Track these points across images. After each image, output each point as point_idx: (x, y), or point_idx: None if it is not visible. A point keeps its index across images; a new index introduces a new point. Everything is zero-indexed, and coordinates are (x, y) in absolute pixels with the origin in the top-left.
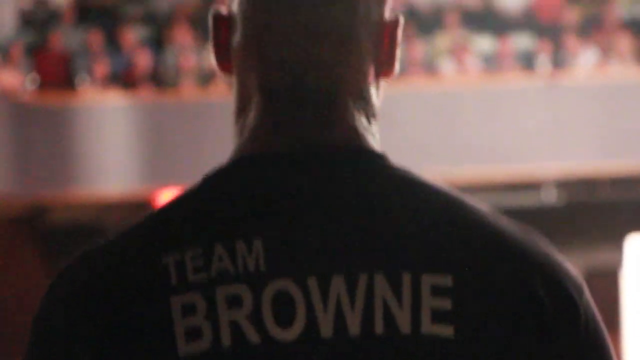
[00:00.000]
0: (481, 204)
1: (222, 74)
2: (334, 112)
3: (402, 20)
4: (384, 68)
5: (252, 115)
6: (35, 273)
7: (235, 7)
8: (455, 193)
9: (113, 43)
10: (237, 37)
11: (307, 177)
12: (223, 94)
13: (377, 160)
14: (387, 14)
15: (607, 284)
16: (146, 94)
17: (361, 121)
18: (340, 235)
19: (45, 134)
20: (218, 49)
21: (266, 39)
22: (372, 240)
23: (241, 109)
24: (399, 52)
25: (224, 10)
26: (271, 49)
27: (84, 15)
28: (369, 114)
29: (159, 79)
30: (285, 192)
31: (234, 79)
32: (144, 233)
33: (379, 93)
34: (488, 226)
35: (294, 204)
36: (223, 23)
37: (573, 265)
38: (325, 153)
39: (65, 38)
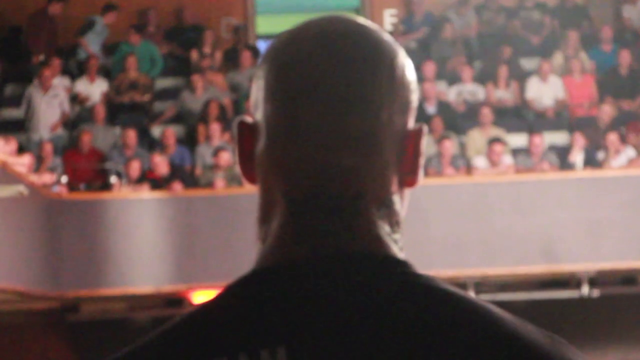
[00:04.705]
0: (506, 312)
1: (247, 181)
2: (356, 220)
3: (425, 129)
4: (408, 177)
5: (275, 222)
6: None
7: (258, 115)
8: (480, 302)
9: (146, 141)
10: (261, 145)
11: (329, 286)
12: (256, 189)
13: (400, 268)
14: (411, 123)
15: None
16: (178, 191)
17: (384, 229)
18: (363, 343)
19: (76, 230)
20: (243, 157)
21: (290, 145)
22: (393, 347)
23: (265, 216)
24: (422, 161)
25: (248, 118)
26: (295, 155)
27: (116, 113)
28: (392, 222)
29: (191, 177)
30: (308, 301)
31: (258, 186)
32: (167, 343)
33: (403, 202)
34: (512, 334)
35: (316, 312)
36: (247, 131)
37: None
38: (347, 262)
39: (97, 137)
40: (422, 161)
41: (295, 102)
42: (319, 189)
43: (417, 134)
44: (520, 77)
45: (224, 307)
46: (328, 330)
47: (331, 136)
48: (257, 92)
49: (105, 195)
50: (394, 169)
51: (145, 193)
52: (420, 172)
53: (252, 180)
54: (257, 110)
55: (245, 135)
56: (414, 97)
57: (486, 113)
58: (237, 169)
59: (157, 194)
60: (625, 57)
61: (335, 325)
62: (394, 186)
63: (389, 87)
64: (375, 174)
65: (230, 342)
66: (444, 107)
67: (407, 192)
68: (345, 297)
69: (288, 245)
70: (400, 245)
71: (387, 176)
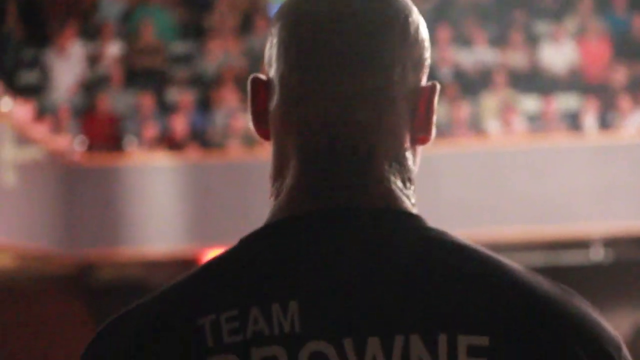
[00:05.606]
0: (517, 264)
1: (260, 138)
2: (369, 175)
3: (438, 86)
4: (421, 134)
5: (289, 178)
6: (83, 330)
7: (272, 72)
8: (492, 254)
9: (161, 105)
10: (274, 101)
11: (342, 240)
12: (269, 154)
13: (413, 222)
14: (424, 81)
15: None
16: (193, 155)
17: (397, 184)
18: (375, 296)
19: (93, 193)
20: (256, 114)
21: (303, 102)
22: (408, 301)
23: (278, 172)
24: (435, 118)
25: (262, 75)
26: (307, 112)
27: (132, 77)
28: (405, 178)
29: (206, 141)
30: (321, 254)
31: (271, 142)
32: (180, 294)
33: (415, 159)
34: (525, 286)
35: (328, 266)
36: (261, 88)
37: (621, 322)
38: (360, 216)
39: (113, 100)
40: (434, 118)
41: (309, 59)
42: (331, 145)
43: (430, 92)
44: (533, 41)
45: (236, 261)
46: (340, 284)
47: (344, 93)
48: (270, 49)
49: (121, 161)
50: (406, 126)
51: (161, 158)
52: (433, 130)
53: (265, 136)
54: (270, 68)
55: (259, 92)
56: (427, 55)
57: (500, 77)
58: (250, 127)
59: (173, 160)
60: (638, 22)
61: (348, 279)
62: (407, 143)
63: (402, 44)
64: (387, 130)
65: (242, 295)
66: (457, 72)
67: (420, 149)
68: (358, 251)
69: (301, 199)
70: (413, 200)
71: (400, 133)
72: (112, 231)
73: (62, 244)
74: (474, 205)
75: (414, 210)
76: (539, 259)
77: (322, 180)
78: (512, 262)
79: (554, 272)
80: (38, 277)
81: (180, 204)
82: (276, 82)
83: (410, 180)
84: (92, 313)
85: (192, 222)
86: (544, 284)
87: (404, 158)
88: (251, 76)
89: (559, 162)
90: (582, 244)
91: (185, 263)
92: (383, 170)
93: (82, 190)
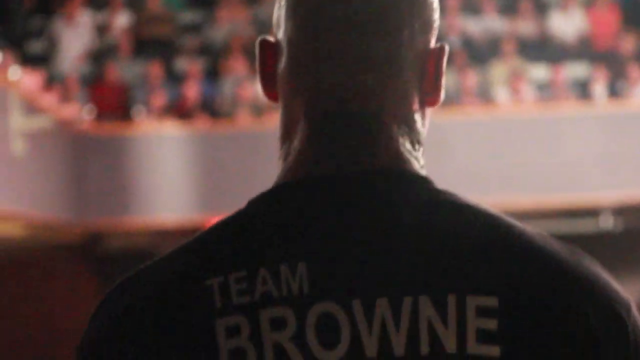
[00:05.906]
0: (527, 226)
1: (269, 100)
2: (378, 137)
3: (447, 48)
4: (429, 96)
5: (297, 140)
6: (91, 299)
7: (280, 34)
8: (501, 215)
9: (169, 74)
10: (283, 64)
11: (350, 201)
12: (278, 121)
13: (421, 184)
14: (433, 42)
15: None
16: (202, 124)
17: (405, 146)
18: (384, 257)
19: (102, 163)
20: (265, 76)
21: (311, 64)
22: (416, 262)
23: (286, 134)
24: (444, 81)
25: (270, 37)
26: (316, 74)
27: (140, 47)
28: (414, 140)
29: (215, 110)
30: (329, 216)
31: (280, 105)
32: (188, 256)
33: (424, 121)
34: (534, 247)
35: (337, 228)
36: (270, 50)
37: (630, 290)
38: (369, 177)
39: (122, 70)
40: (443, 80)
41: (316, 22)
42: (339, 107)
43: (438, 54)
44: (543, 9)
45: (244, 222)
46: (349, 245)
47: (352, 55)
48: (279, 10)
49: (129, 131)
50: (415, 88)
51: (170, 128)
52: (442, 91)
53: (273, 98)
54: (279, 30)
55: (267, 54)
56: (436, 16)
57: (509, 45)
58: (259, 89)
59: (181, 129)
60: None
61: (357, 241)
62: (415, 105)
63: (411, 6)
64: (396, 92)
65: (250, 256)
66: (466, 40)
67: (429, 111)
68: (367, 213)
69: (309, 162)
70: (422, 162)
71: (408, 95)
72: (121, 200)
73: (70, 213)
74: (483, 173)
75: (423, 172)
76: (548, 227)
77: (330, 142)
78: (524, 225)
79: (563, 241)
80: (47, 246)
81: (189, 173)
82: (284, 44)
83: (419, 142)
84: (100, 282)
85: (201, 192)
86: (554, 245)
87: (413, 120)
88: (259, 38)
89: (568, 131)
90: (591, 213)
91: (193, 232)
92: (392, 132)
93: (91, 159)
